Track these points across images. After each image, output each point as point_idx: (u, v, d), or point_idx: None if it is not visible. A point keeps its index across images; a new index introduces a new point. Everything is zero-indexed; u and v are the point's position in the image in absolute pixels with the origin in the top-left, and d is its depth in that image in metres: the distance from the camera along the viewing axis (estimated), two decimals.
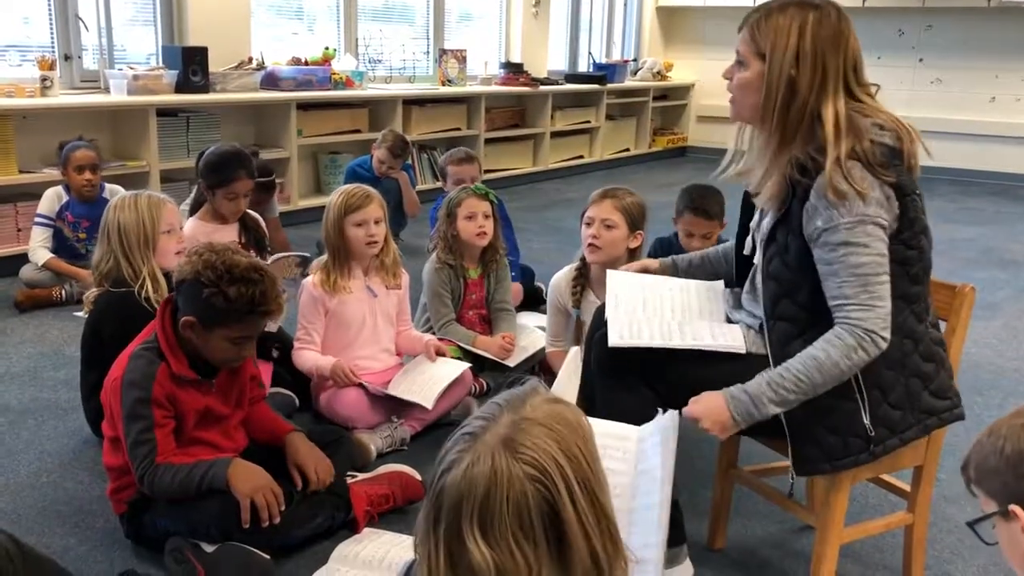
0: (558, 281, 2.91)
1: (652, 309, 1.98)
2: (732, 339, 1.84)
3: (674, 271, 2.17)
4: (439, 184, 6.51)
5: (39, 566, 1.58)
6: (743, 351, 1.82)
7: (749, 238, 1.92)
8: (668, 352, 1.81)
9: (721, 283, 2.05)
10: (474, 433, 1.10)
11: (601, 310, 2.00)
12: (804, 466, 1.76)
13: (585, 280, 2.84)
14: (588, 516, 1.08)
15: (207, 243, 2.10)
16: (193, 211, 3.47)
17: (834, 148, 1.64)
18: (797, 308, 1.75)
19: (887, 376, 1.73)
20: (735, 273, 2.03)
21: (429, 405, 2.63)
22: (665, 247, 3.23)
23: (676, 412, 1.60)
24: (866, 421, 1.72)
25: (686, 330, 1.87)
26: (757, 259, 1.85)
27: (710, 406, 1.73)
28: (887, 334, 1.66)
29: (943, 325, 1.88)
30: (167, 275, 2.51)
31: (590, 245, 2.75)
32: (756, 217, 1.90)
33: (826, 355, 1.66)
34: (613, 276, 2.10)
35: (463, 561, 1.06)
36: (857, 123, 1.68)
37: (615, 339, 1.83)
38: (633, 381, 1.86)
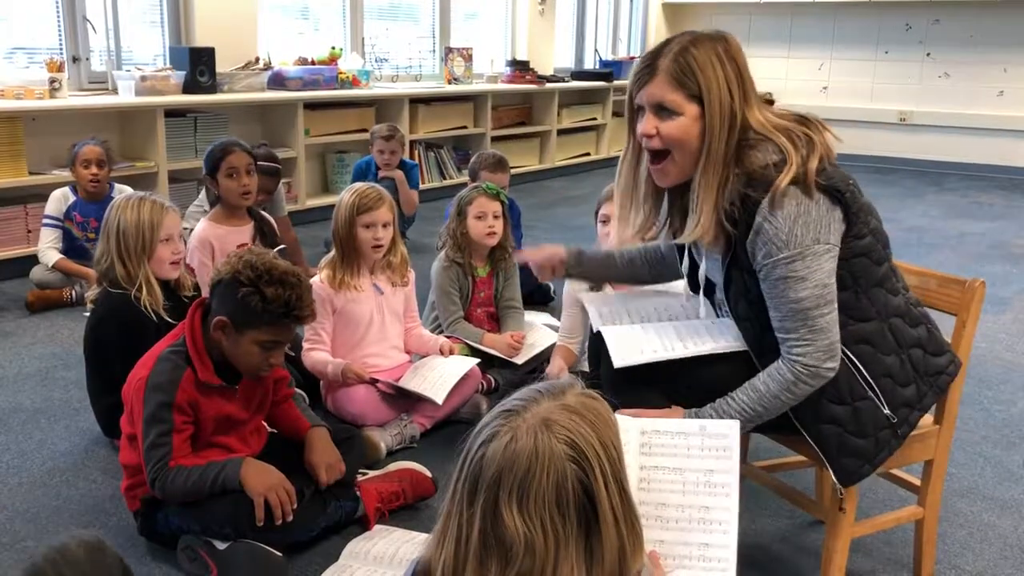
0: None
1: (641, 316, 1.97)
2: (734, 337, 1.83)
3: (578, 259, 2.11)
4: (447, 182, 6.56)
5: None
6: (744, 348, 1.81)
7: (701, 273, 1.88)
8: (674, 359, 1.80)
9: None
10: (514, 410, 1.13)
11: (597, 336, 1.98)
12: (848, 477, 1.75)
13: None
14: (618, 505, 1.13)
15: (247, 248, 2.07)
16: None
17: (776, 172, 1.62)
18: None
19: (891, 362, 1.73)
20: (688, 279, 1.99)
21: (440, 400, 2.64)
22: None
23: (736, 422, 1.61)
24: (886, 411, 1.72)
25: (684, 335, 1.86)
26: (719, 299, 1.84)
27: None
28: (832, 363, 1.66)
29: (953, 320, 1.88)
30: (162, 282, 2.53)
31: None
32: (686, 262, 1.89)
33: (766, 388, 1.69)
34: (587, 298, 2.08)
35: (495, 533, 1.09)
36: (784, 127, 1.66)
37: (619, 361, 1.81)
38: (647, 392, 1.84)
